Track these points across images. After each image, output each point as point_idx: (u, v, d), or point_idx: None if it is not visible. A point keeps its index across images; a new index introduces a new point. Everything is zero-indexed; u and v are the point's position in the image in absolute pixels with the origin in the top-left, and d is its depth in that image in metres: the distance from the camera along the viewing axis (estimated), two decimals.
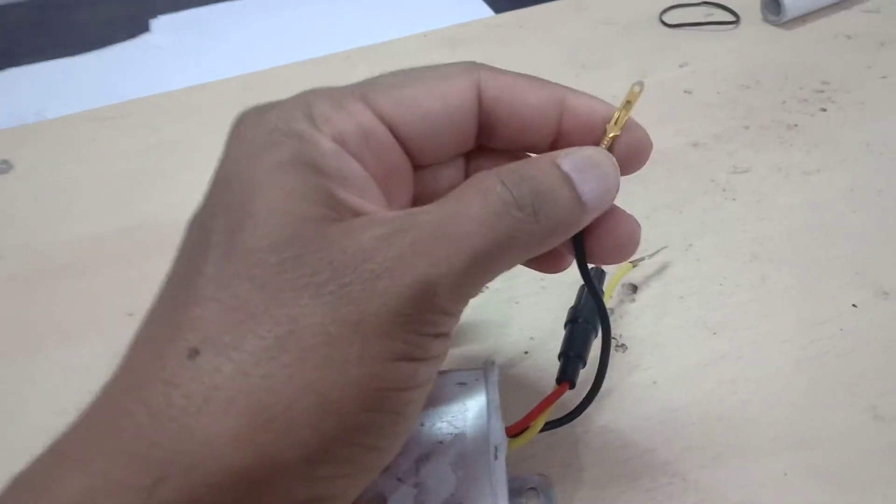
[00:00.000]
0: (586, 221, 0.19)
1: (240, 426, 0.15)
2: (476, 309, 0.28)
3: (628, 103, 0.21)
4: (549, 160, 0.19)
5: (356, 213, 0.17)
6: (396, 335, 0.16)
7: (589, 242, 0.21)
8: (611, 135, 0.21)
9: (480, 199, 0.17)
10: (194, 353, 0.15)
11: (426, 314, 0.16)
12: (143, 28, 0.68)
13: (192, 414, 0.15)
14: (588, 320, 0.29)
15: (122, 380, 0.16)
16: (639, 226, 0.22)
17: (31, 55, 0.65)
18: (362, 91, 0.19)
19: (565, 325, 0.30)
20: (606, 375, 0.30)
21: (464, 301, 0.17)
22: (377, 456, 0.17)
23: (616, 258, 0.22)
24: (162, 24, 0.69)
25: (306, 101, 0.19)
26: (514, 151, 0.22)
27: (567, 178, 0.19)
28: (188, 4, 0.71)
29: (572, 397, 0.27)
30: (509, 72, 0.21)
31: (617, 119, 0.21)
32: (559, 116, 0.21)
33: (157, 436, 0.15)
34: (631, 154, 0.21)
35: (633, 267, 0.35)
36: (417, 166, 0.21)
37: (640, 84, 0.21)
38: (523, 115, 0.20)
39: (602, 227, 0.21)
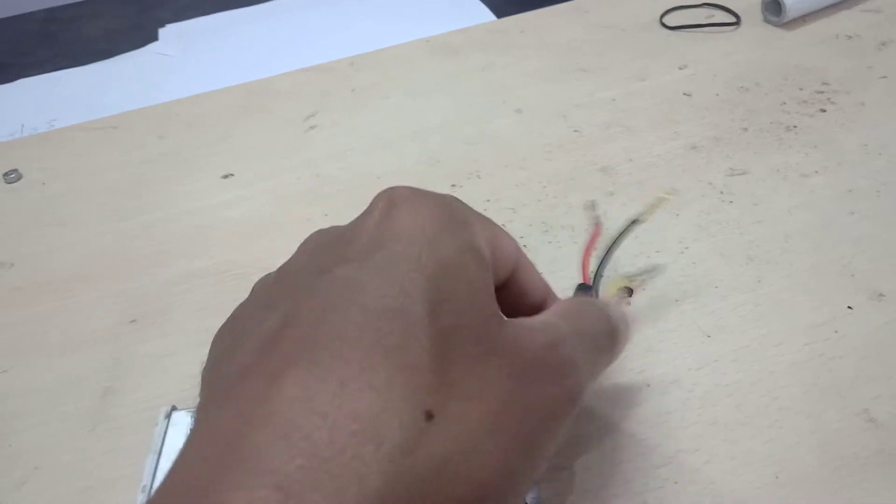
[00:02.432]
0: None
1: (460, 495, 0.15)
2: None
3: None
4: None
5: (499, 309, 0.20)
6: (555, 432, 0.18)
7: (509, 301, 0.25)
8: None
9: (599, 318, 0.23)
10: (430, 415, 0.16)
11: (571, 416, 0.19)
12: (151, 38, 0.69)
13: (434, 476, 0.15)
14: None
15: (344, 419, 0.15)
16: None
17: (41, 66, 0.66)
18: (479, 214, 0.22)
19: None
20: (599, 379, 0.31)
21: None
22: None
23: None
24: (169, 33, 0.70)
25: (458, 201, 0.21)
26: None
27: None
28: (194, 13, 0.72)
29: None
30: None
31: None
32: (544, 302, 0.25)
33: (400, 491, 0.15)
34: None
35: (631, 282, 0.36)
36: None
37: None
38: (529, 286, 0.25)
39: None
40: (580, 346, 0.20)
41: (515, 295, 0.24)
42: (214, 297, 0.39)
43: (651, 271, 0.37)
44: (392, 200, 0.20)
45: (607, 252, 0.33)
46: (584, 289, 0.30)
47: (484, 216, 0.23)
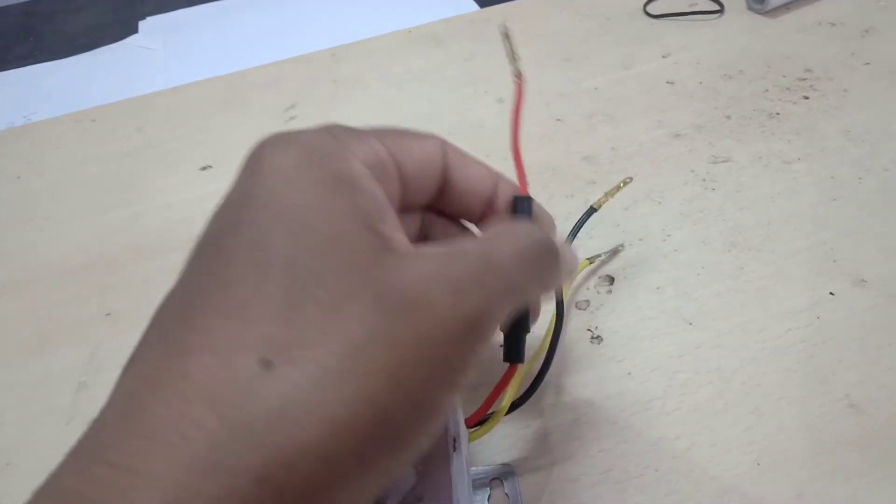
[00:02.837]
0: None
1: (313, 437, 0.15)
2: None
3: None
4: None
5: (390, 239, 0.18)
6: (450, 362, 0.17)
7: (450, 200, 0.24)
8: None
9: (513, 240, 0.20)
10: (267, 364, 0.15)
11: (475, 343, 0.18)
12: (131, 31, 0.68)
13: (267, 424, 0.15)
14: None
15: (181, 387, 0.15)
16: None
17: (19, 60, 0.65)
18: (372, 131, 0.21)
19: None
20: (581, 366, 0.30)
21: (495, 331, 0.19)
22: (402, 468, 0.18)
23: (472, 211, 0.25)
24: (149, 26, 0.69)
25: (330, 131, 0.20)
26: (454, 217, 0.25)
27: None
28: (175, 6, 0.71)
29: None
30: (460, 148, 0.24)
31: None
32: (494, 191, 0.24)
33: (232, 445, 0.14)
34: None
35: (591, 263, 0.35)
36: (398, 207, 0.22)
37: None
38: (469, 181, 0.24)
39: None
40: (488, 266, 0.18)
41: (459, 195, 0.23)
42: None
43: (610, 253, 0.36)
44: (257, 153, 0.19)
45: (568, 241, 0.33)
46: (523, 202, 0.24)
47: (382, 131, 0.21)
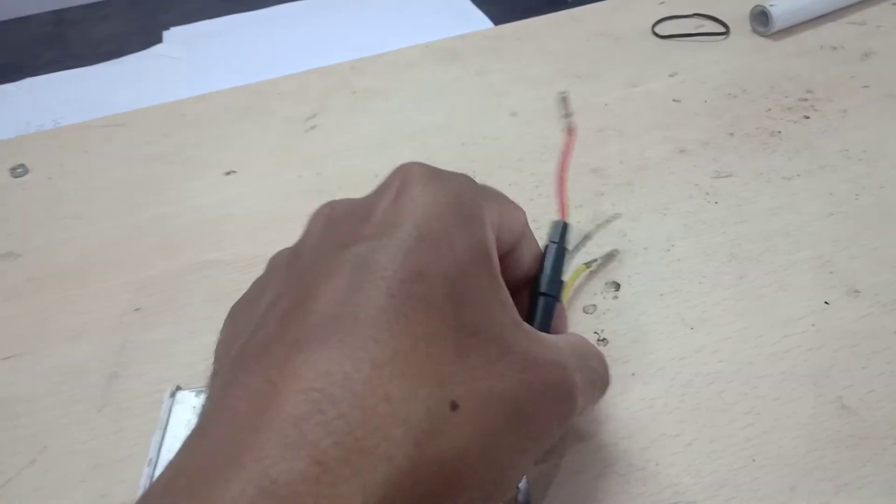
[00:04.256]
0: None
1: (481, 478, 0.17)
2: None
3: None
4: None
5: (511, 306, 0.20)
6: (553, 429, 0.20)
7: None
8: None
9: (598, 360, 0.25)
10: (455, 406, 0.17)
11: (570, 419, 0.21)
12: (156, 40, 0.70)
13: (446, 463, 0.17)
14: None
15: (378, 406, 0.16)
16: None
17: (48, 66, 0.67)
18: (490, 192, 0.23)
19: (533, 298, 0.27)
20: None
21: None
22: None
23: None
24: (174, 36, 0.72)
25: (469, 179, 0.22)
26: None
27: None
28: (199, 17, 0.74)
29: None
30: None
31: None
32: (530, 272, 0.26)
33: (421, 472, 0.16)
34: None
35: (588, 268, 0.37)
36: None
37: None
38: (525, 259, 0.26)
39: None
40: (583, 379, 0.22)
41: (512, 261, 0.25)
42: (219, 288, 0.40)
43: (607, 258, 0.38)
44: (406, 180, 0.20)
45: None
46: (561, 227, 0.28)
47: (493, 192, 0.23)
